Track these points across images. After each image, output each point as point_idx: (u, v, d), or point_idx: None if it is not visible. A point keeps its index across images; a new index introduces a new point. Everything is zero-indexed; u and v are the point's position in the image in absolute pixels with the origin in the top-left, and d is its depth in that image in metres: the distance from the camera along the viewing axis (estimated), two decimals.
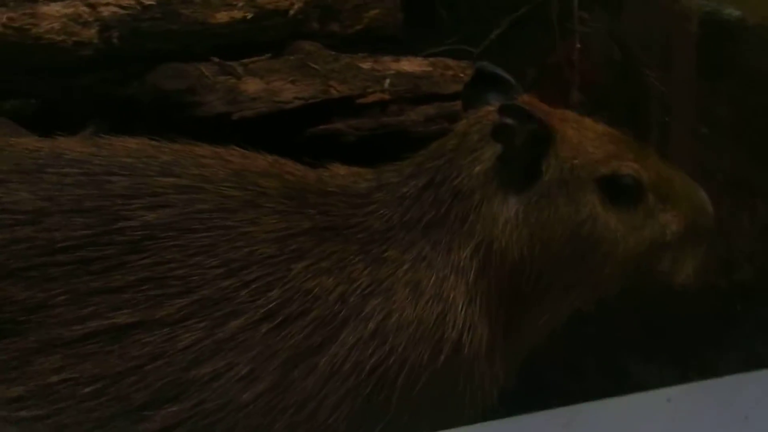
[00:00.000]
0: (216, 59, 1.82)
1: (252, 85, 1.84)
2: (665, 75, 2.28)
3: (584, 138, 1.07)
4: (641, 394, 0.92)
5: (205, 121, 1.83)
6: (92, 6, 1.57)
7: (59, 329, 0.84)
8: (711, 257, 1.17)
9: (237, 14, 1.84)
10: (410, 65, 2.05)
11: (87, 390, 0.82)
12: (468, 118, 1.09)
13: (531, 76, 2.53)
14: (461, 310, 0.98)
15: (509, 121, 1.00)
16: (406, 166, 1.08)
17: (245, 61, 1.88)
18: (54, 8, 1.52)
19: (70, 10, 1.55)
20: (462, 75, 2.12)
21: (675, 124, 2.20)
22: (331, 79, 1.91)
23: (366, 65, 2.00)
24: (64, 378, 0.82)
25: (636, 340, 1.50)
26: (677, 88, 2.16)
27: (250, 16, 1.86)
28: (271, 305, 0.90)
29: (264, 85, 1.86)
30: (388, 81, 1.99)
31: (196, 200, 0.92)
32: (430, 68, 2.07)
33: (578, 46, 2.28)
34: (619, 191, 1.07)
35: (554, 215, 1.03)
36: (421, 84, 2.04)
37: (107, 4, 1.60)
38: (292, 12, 1.95)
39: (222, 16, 1.81)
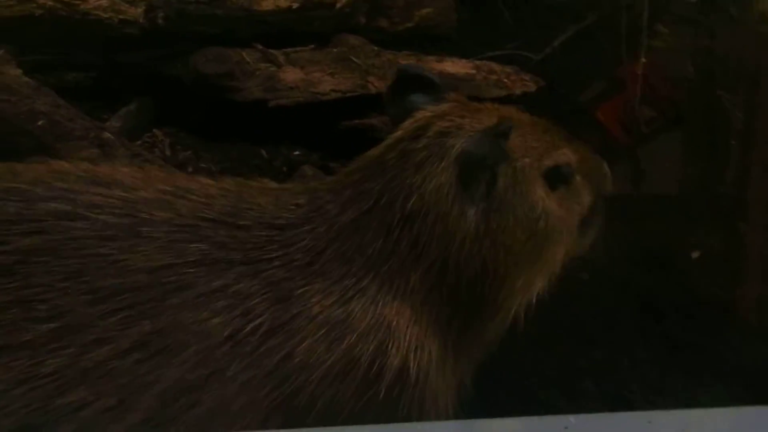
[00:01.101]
0: (259, 46, 1.86)
1: (291, 75, 1.87)
2: (743, 98, 2.17)
3: (525, 133, 1.05)
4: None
5: (243, 106, 1.88)
6: None
7: None
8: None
9: (282, 3, 1.87)
10: (453, 67, 2.03)
11: None
12: (404, 128, 1.02)
13: (595, 87, 2.47)
14: (405, 334, 0.95)
15: (481, 154, 0.96)
16: (343, 187, 1.01)
17: (288, 50, 1.90)
18: None
19: None
20: (506, 80, 2.09)
21: (745, 148, 2.10)
22: (370, 74, 1.91)
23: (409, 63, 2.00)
24: None
25: None
26: (757, 114, 2.05)
27: (296, 6, 1.88)
28: (142, 336, 0.87)
29: (303, 75, 1.88)
30: None
31: (72, 227, 0.90)
32: (473, 71, 2.04)
33: (643, 60, 2.19)
34: (557, 179, 1.06)
35: (513, 218, 1.01)
36: (462, 86, 2.00)
37: None
38: (339, 5, 1.97)
39: (267, 4, 1.84)
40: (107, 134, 1.47)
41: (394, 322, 0.95)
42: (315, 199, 1.01)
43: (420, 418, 0.96)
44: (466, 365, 1.05)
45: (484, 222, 0.99)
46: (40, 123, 1.43)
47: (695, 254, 1.88)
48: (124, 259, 0.89)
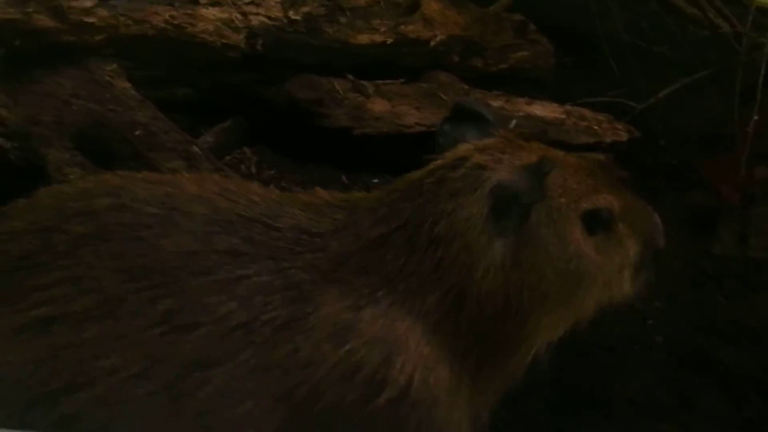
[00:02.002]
0: (350, 76, 1.94)
1: (378, 106, 1.93)
2: None
3: (567, 174, 1.04)
4: None
5: (330, 132, 1.96)
6: (244, 14, 1.76)
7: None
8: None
9: (378, 38, 1.94)
10: (543, 110, 2.02)
11: (17, 374, 0.92)
12: (445, 157, 1.04)
13: (703, 143, 2.37)
14: (414, 352, 0.96)
15: (523, 192, 0.97)
16: (380, 204, 1.04)
17: (378, 82, 1.97)
18: (211, 11, 1.72)
19: (224, 15, 1.74)
20: (596, 127, 2.04)
21: None
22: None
23: (496, 103, 2.00)
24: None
25: None
26: None
27: (390, 41, 1.95)
28: (165, 312, 0.94)
29: (390, 107, 1.93)
30: (514, 122, 1.97)
31: (119, 216, 1.01)
32: (563, 116, 2.02)
33: (756, 117, 2.07)
34: (596, 223, 1.05)
35: (544, 256, 1.00)
36: (549, 130, 1.99)
37: (257, 14, 1.77)
38: (433, 43, 2.02)
39: (363, 38, 1.92)
40: (195, 148, 1.57)
41: (403, 338, 0.96)
42: (353, 212, 1.05)
43: None
44: (484, 400, 1.03)
45: (511, 256, 0.99)
46: (137, 133, 1.56)
47: None
48: (158, 243, 0.98)
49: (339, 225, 1.04)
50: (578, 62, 2.67)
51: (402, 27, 1.97)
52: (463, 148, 1.04)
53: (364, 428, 0.95)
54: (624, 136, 2.05)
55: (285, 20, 1.80)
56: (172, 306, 0.94)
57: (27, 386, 0.91)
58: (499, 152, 1.03)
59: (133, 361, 0.92)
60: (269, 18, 1.78)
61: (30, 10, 1.53)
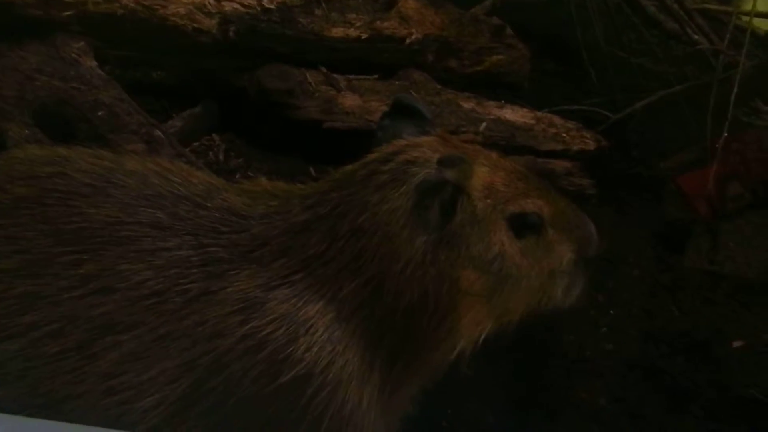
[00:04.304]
0: (323, 69, 1.93)
1: (349, 100, 1.93)
2: None
3: (496, 177, 1.05)
4: None
5: (300, 124, 1.95)
6: (218, 0, 1.75)
7: None
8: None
9: (352, 33, 1.93)
10: (513, 114, 2.02)
11: None
12: (380, 151, 1.06)
13: (678, 157, 2.38)
14: (322, 335, 0.98)
15: (449, 175, 0.98)
16: (313, 192, 1.07)
17: (351, 77, 1.97)
18: None
19: (198, 0, 1.73)
20: (564, 135, 2.05)
21: None
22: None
23: (467, 105, 2.01)
24: None
25: None
26: None
27: (364, 36, 1.94)
28: (85, 275, 0.98)
29: (360, 102, 1.93)
30: (484, 124, 1.98)
31: (58, 183, 1.07)
32: (532, 121, 2.02)
33: (727, 135, 2.09)
34: (524, 227, 1.06)
35: (465, 254, 1.01)
36: (517, 134, 2.00)
37: (231, 1, 1.76)
38: (408, 41, 2.01)
39: (337, 32, 1.92)
40: (158, 132, 1.56)
41: (313, 321, 0.98)
42: (288, 199, 1.07)
43: (337, 425, 0.97)
44: (400, 394, 1.05)
45: (432, 252, 1.00)
46: (100, 113, 1.55)
47: (737, 344, 1.76)
48: (88, 212, 1.02)
49: (270, 210, 1.06)
50: (558, 69, 2.69)
51: (378, 23, 1.97)
52: (397, 144, 1.06)
53: (268, 405, 0.96)
54: (592, 145, 2.06)
55: (259, 8, 1.79)
56: (92, 271, 0.98)
57: None
58: (431, 150, 1.04)
59: (52, 320, 0.96)
60: (243, 5, 1.77)
61: None
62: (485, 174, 1.03)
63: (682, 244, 2.05)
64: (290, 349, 0.97)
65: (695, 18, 2.52)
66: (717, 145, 2.03)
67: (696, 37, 2.48)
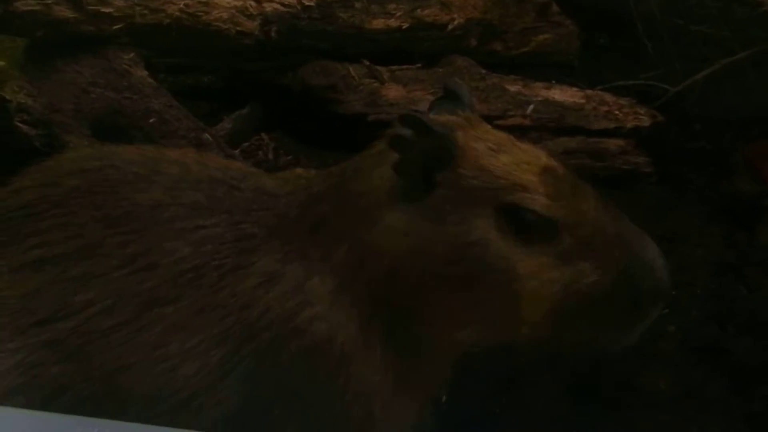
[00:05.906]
0: (366, 62, 1.94)
1: (393, 91, 1.93)
2: None
3: (496, 162, 0.99)
4: None
5: (345, 118, 1.97)
6: (258, 1, 1.77)
7: None
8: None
9: (393, 23, 1.93)
10: (561, 94, 1.98)
11: (12, 306, 1.05)
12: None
13: (740, 129, 2.28)
14: (322, 305, 1.02)
15: (405, 132, 0.97)
16: (333, 169, 1.11)
17: (393, 67, 1.97)
18: (225, 0, 1.75)
19: (238, 3, 1.76)
20: (617, 112, 1.99)
21: None
22: (472, 96, 1.92)
23: (514, 88, 1.97)
24: None
25: None
26: None
27: (405, 26, 1.94)
28: (132, 254, 1.05)
29: (404, 93, 1.93)
30: (531, 107, 1.94)
31: (106, 173, 1.13)
32: (582, 100, 1.97)
33: None
34: (524, 225, 0.98)
35: (440, 231, 0.99)
36: (567, 115, 1.95)
37: (271, 1, 1.79)
38: (450, 27, 2.00)
39: (378, 23, 1.92)
40: (207, 136, 1.61)
41: (316, 291, 1.02)
42: (315, 177, 1.12)
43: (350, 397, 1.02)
44: (416, 392, 1.07)
45: (411, 223, 1.00)
46: (152, 120, 1.61)
47: None
48: (134, 197, 1.09)
49: (297, 187, 1.11)
50: (611, 43, 2.60)
51: (418, 11, 1.96)
52: None
53: (291, 368, 1.02)
54: (647, 121, 1.99)
55: (299, 6, 1.81)
56: (138, 250, 1.05)
57: (19, 315, 1.03)
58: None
59: (104, 297, 1.03)
60: (283, 4, 1.80)
61: (50, 1, 1.59)
62: (483, 156, 1.00)
63: (749, 219, 1.96)
64: (298, 320, 1.01)
65: None
66: None
67: None
